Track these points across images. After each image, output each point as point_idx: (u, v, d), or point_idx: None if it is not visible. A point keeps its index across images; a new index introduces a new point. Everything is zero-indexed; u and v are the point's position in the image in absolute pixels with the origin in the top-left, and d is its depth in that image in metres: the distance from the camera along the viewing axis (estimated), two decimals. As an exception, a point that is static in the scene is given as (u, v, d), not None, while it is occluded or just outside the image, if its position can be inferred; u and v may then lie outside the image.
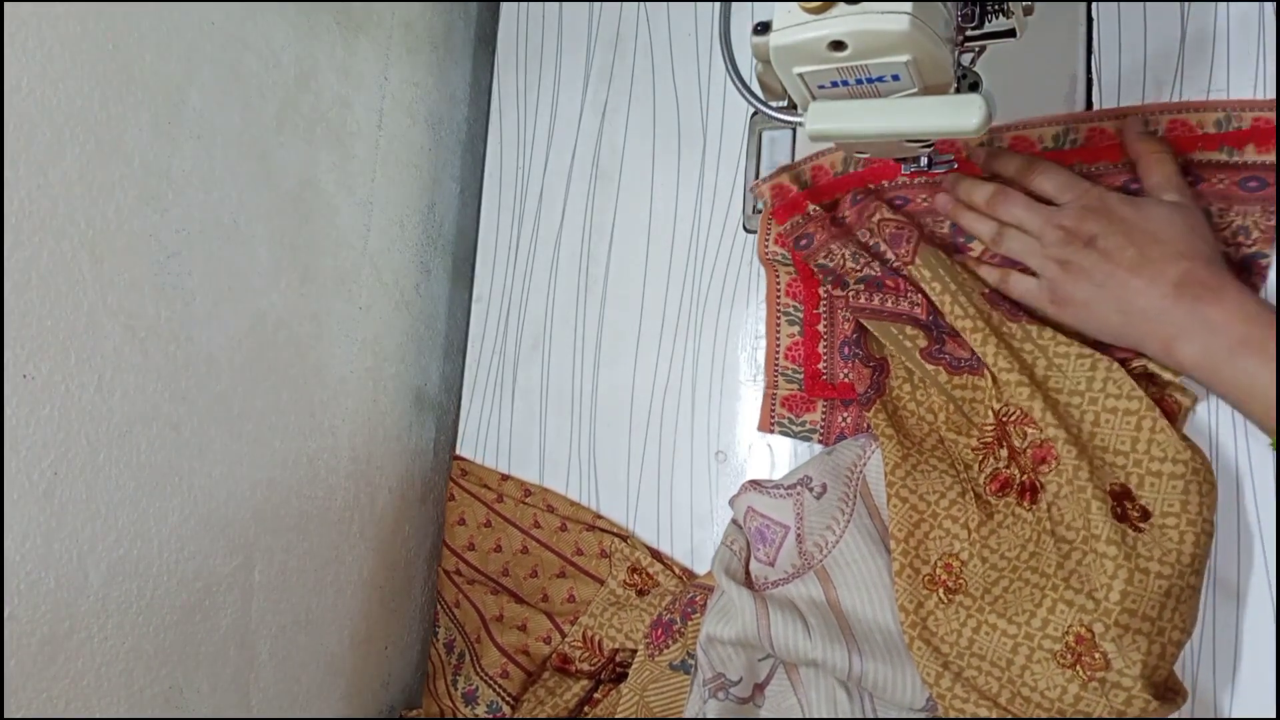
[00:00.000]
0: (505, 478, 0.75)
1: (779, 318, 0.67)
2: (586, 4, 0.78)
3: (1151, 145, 0.57)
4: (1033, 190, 0.58)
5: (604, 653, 0.67)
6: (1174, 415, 0.55)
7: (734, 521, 0.64)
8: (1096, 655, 0.49)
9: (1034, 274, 0.57)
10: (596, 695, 0.68)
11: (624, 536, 0.70)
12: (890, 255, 0.60)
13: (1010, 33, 0.48)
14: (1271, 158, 0.55)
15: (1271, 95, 0.57)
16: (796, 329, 0.66)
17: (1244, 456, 0.55)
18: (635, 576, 0.68)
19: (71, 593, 0.51)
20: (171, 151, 0.56)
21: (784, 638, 0.56)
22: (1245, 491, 0.54)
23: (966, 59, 0.51)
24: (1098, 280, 0.54)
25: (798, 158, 0.69)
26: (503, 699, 0.69)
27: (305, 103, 0.67)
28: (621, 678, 0.68)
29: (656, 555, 0.69)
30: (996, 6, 0.47)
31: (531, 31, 0.80)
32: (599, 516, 0.71)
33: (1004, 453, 0.56)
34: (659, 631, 0.63)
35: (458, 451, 0.78)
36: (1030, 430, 0.55)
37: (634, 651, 0.66)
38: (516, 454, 0.75)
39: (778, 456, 0.67)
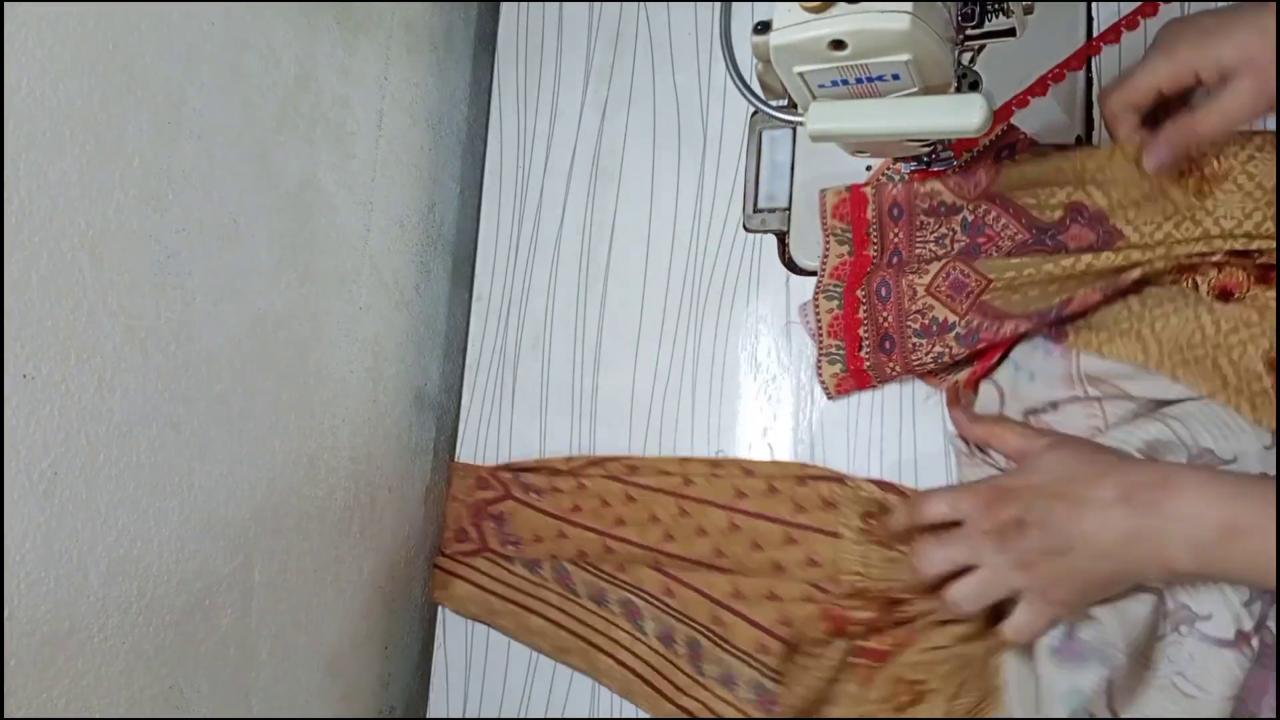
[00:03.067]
0: (686, 460, 0.70)
1: (829, 239, 0.66)
2: (586, 4, 0.78)
3: (984, 427, 0.56)
4: (932, 523, 0.55)
5: (882, 602, 0.61)
6: None
7: None
8: None
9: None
10: (870, 645, 0.62)
11: (839, 479, 0.65)
12: (962, 203, 0.60)
13: (1010, 32, 0.48)
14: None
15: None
16: (836, 303, 0.65)
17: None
18: (870, 521, 0.63)
19: (71, 593, 0.51)
20: (171, 151, 0.56)
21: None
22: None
23: (966, 58, 0.52)
24: (1061, 551, 0.50)
25: (798, 157, 0.69)
26: (764, 674, 0.63)
27: (305, 103, 0.67)
28: (902, 624, 0.62)
29: (883, 485, 0.64)
30: (996, 6, 0.48)
31: (531, 31, 0.80)
32: (805, 466, 0.67)
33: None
34: None
35: (457, 453, 0.77)
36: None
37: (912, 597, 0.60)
38: (516, 454, 0.75)
39: (778, 456, 0.67)
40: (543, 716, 0.71)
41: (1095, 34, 0.61)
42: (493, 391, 0.77)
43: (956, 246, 0.61)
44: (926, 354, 0.61)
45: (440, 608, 0.76)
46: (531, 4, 0.80)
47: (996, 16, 0.48)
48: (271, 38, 0.64)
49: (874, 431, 0.65)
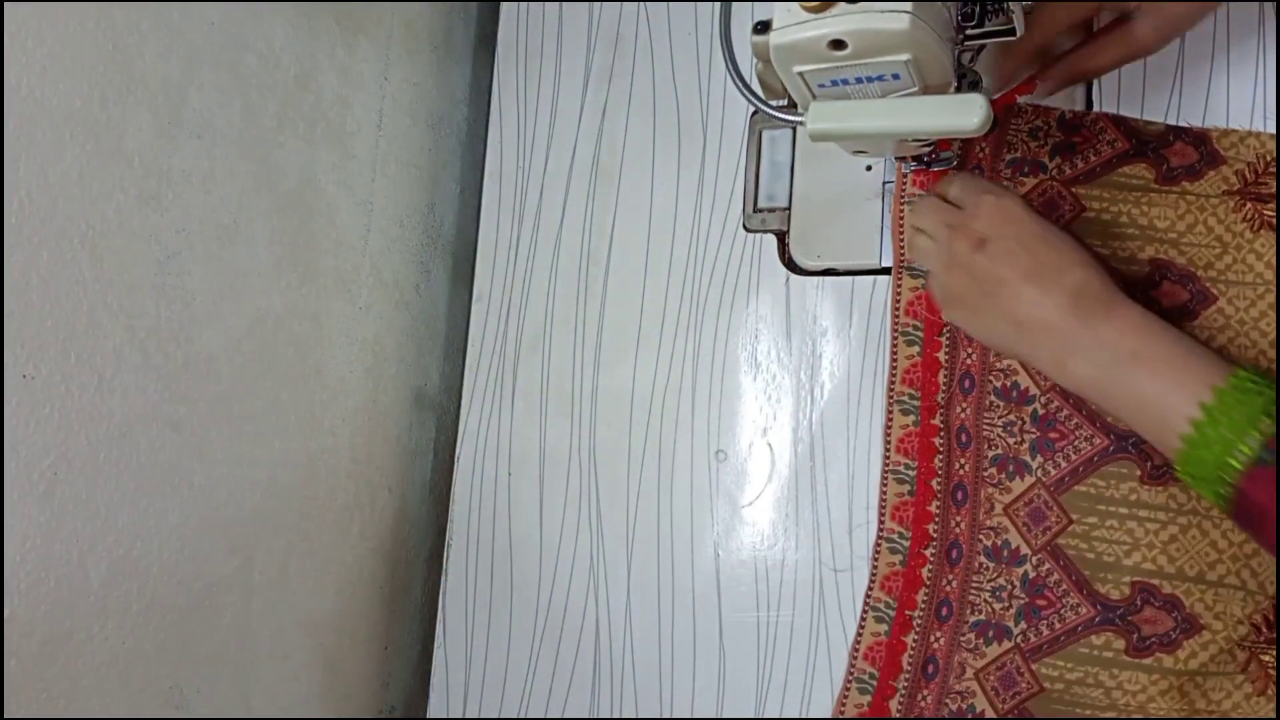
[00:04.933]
0: None
1: (893, 406, 0.64)
2: (586, 4, 0.78)
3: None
4: (947, 199, 0.56)
5: None
6: None
7: None
8: None
9: None
10: None
11: None
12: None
13: (1010, 32, 0.48)
14: None
15: (1271, 95, 0.57)
16: (916, 349, 0.63)
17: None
18: None
19: (71, 593, 0.51)
20: (171, 151, 0.56)
21: None
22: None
23: (966, 58, 0.51)
24: (986, 287, 0.51)
25: (798, 157, 0.69)
26: None
27: (305, 103, 0.67)
28: None
29: None
30: (996, 6, 0.47)
31: (531, 31, 0.80)
32: None
33: None
34: None
35: (457, 453, 0.77)
36: None
37: None
38: (516, 454, 0.75)
39: (778, 456, 0.67)
40: (543, 716, 0.71)
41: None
42: (493, 391, 0.77)
43: (1026, 436, 0.59)
44: (988, 581, 0.59)
45: (440, 607, 0.76)
46: (531, 4, 0.80)
47: (996, 16, 0.48)
48: (271, 38, 0.64)
49: (874, 431, 0.65)
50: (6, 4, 0.46)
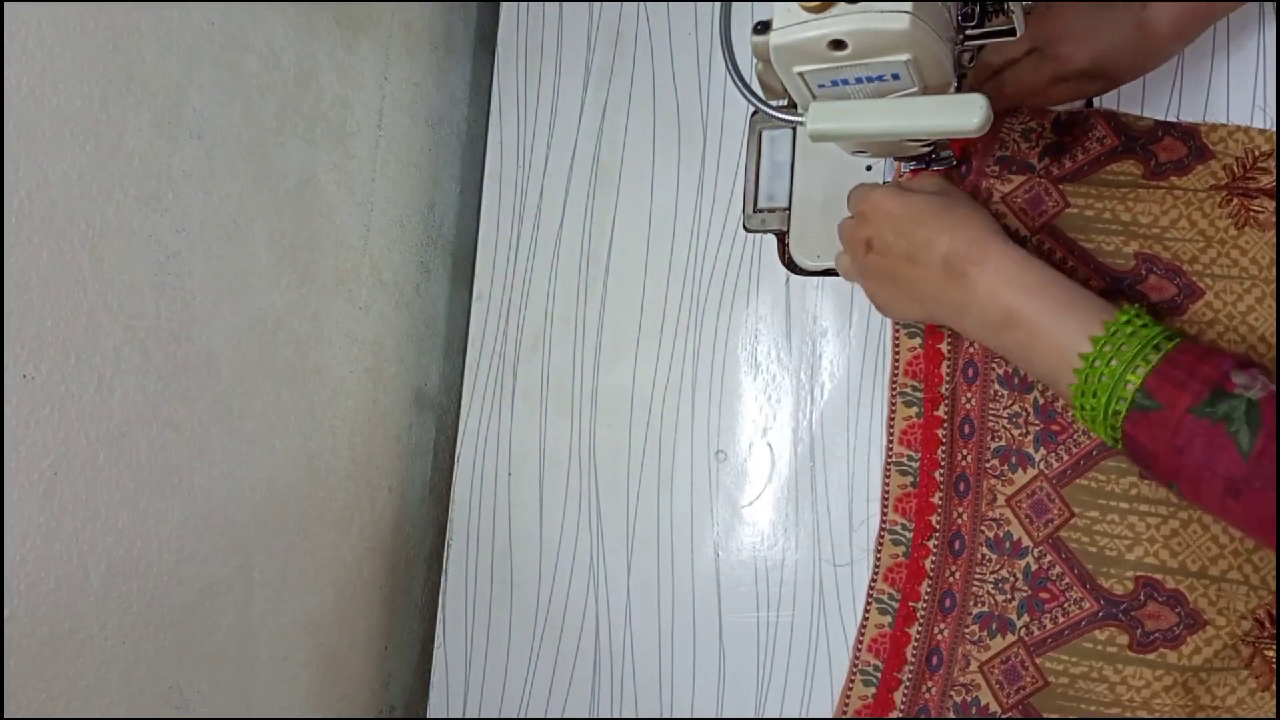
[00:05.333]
0: None
1: (895, 398, 0.64)
2: (586, 4, 0.78)
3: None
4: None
5: None
6: None
7: None
8: None
9: None
10: None
11: None
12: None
13: (1010, 32, 0.48)
14: None
15: (1271, 95, 0.57)
16: (918, 341, 0.63)
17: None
18: None
19: (71, 593, 0.51)
20: (171, 151, 0.56)
21: None
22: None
23: (966, 58, 0.52)
24: (886, 280, 0.56)
25: (798, 157, 0.69)
26: None
27: (305, 103, 0.67)
28: None
29: None
30: (996, 6, 0.47)
31: (531, 31, 0.80)
32: None
33: None
34: None
35: (457, 453, 0.77)
36: None
37: None
38: (516, 454, 0.75)
39: (778, 456, 0.67)
40: (543, 716, 0.71)
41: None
42: (493, 391, 0.77)
43: (1030, 428, 0.59)
44: (990, 573, 0.59)
45: (440, 607, 0.76)
46: (531, 4, 0.80)
47: (996, 16, 0.48)
48: (271, 38, 0.64)
49: (874, 431, 0.65)
50: (6, 4, 0.46)
